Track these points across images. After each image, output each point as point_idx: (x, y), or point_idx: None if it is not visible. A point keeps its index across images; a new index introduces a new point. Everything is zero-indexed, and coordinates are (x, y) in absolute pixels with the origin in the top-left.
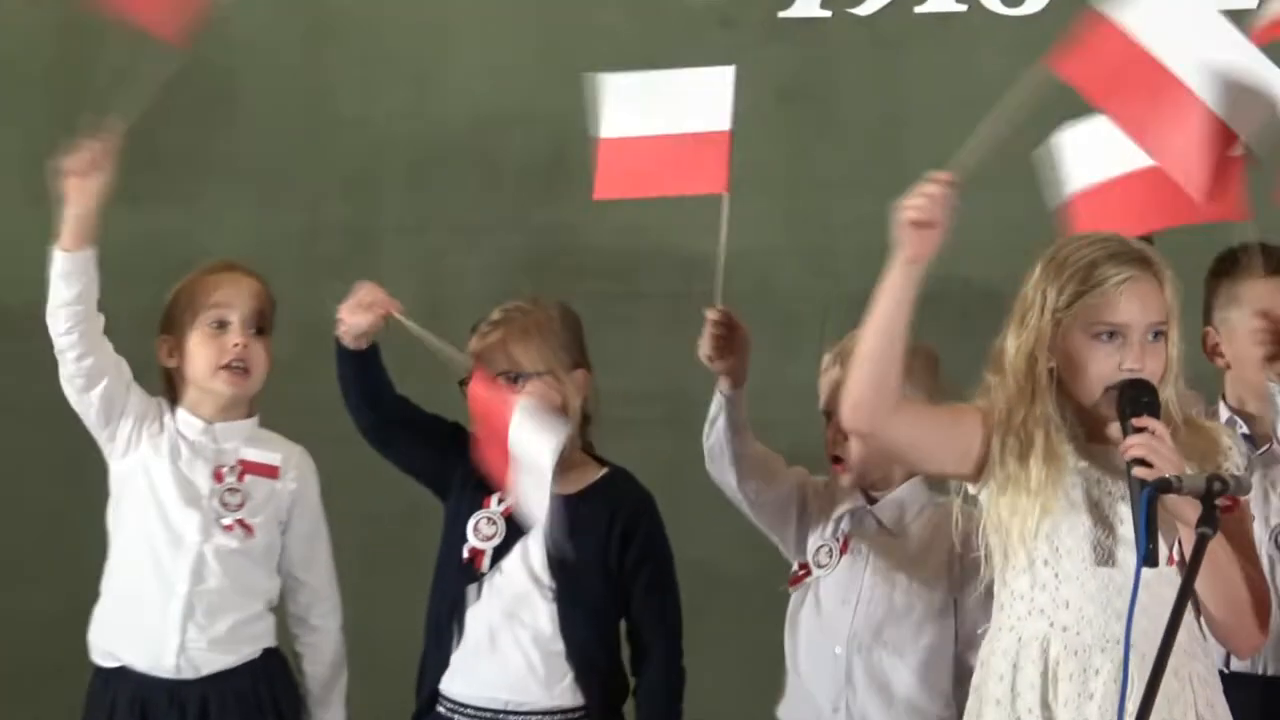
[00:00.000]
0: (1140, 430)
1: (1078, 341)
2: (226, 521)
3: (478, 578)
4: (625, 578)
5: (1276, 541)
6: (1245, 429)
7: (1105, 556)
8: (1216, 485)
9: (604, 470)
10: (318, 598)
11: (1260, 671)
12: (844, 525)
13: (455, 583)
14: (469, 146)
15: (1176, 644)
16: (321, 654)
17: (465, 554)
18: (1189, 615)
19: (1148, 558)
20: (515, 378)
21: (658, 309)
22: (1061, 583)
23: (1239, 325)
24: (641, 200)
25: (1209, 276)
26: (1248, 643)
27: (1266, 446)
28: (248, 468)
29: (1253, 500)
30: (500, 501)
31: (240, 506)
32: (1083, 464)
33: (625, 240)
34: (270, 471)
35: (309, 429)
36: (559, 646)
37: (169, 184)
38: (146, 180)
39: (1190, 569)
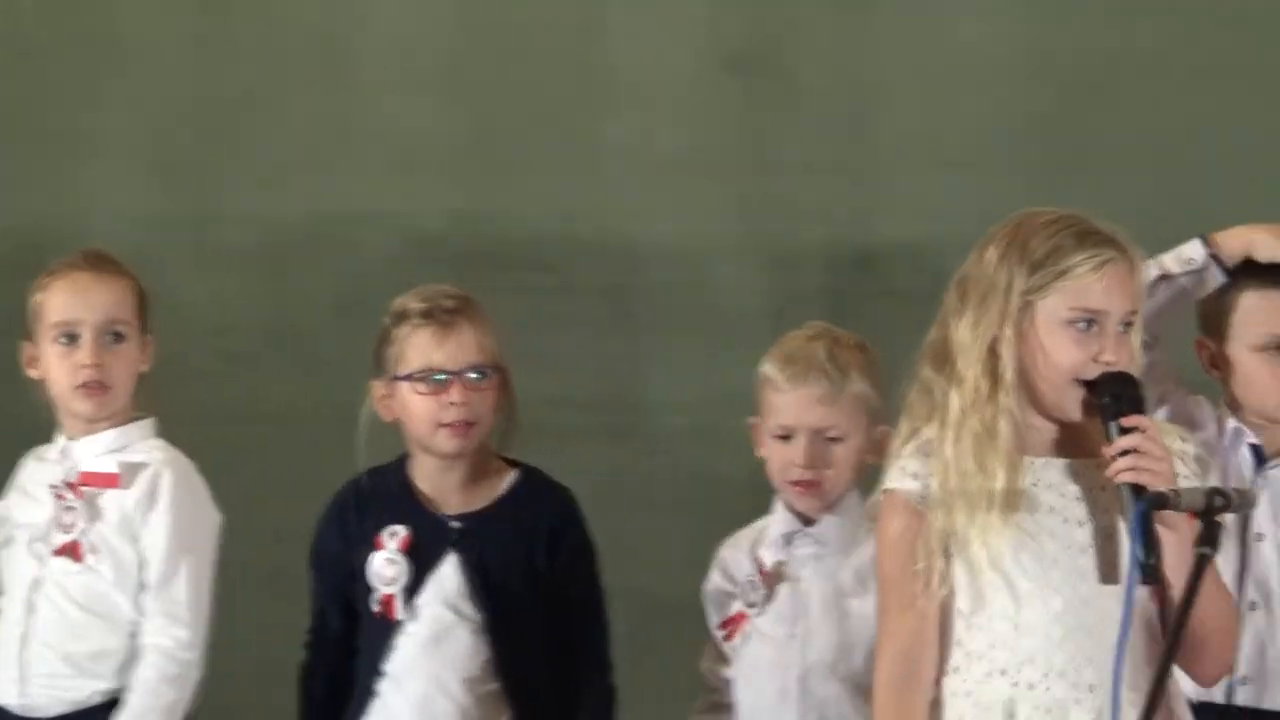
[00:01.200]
0: (1130, 430)
1: (1048, 328)
2: (57, 545)
3: (396, 626)
4: (555, 582)
5: None
6: (1254, 439)
7: (1085, 575)
8: (1218, 501)
9: (515, 472)
10: (154, 614)
11: (1222, 700)
12: (777, 552)
13: (376, 641)
14: (384, 122)
15: (1135, 679)
16: (136, 679)
17: (376, 607)
18: (1146, 643)
19: (1146, 573)
20: (482, 373)
21: (595, 304)
22: (1022, 635)
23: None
24: (575, 183)
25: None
26: (1213, 670)
27: (1279, 462)
28: (85, 479)
29: (1262, 517)
30: (393, 536)
31: (73, 527)
32: (1041, 470)
33: (559, 228)
34: (108, 480)
35: (214, 437)
36: (492, 686)
37: (48, 165)
38: (22, 160)
39: (1188, 593)
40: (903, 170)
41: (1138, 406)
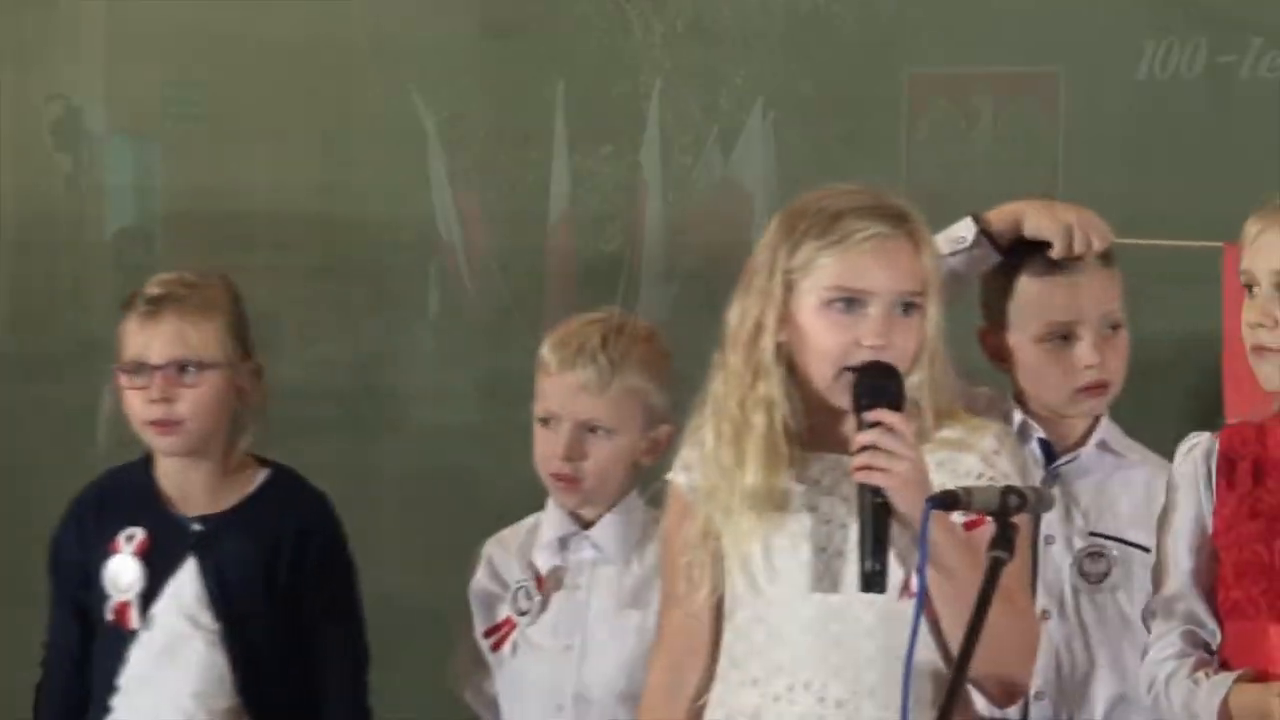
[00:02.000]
0: (874, 426)
1: (810, 310)
2: None
3: (130, 636)
4: (302, 590)
5: (1081, 569)
6: (1042, 434)
7: (828, 582)
8: (1013, 501)
9: (265, 472)
10: None
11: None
12: (552, 557)
13: (110, 652)
14: (119, 88)
15: (889, 698)
16: None
17: (110, 615)
18: (933, 663)
19: (869, 581)
20: (184, 368)
21: (349, 288)
22: (773, 644)
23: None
24: (332, 157)
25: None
26: (1010, 688)
27: (1071, 458)
28: None
29: (1052, 519)
30: (130, 540)
31: None
32: (810, 466)
33: (310, 205)
34: None
35: None
36: (231, 701)
37: None
38: None
39: (979, 606)
40: (666, 144)
41: (892, 400)
